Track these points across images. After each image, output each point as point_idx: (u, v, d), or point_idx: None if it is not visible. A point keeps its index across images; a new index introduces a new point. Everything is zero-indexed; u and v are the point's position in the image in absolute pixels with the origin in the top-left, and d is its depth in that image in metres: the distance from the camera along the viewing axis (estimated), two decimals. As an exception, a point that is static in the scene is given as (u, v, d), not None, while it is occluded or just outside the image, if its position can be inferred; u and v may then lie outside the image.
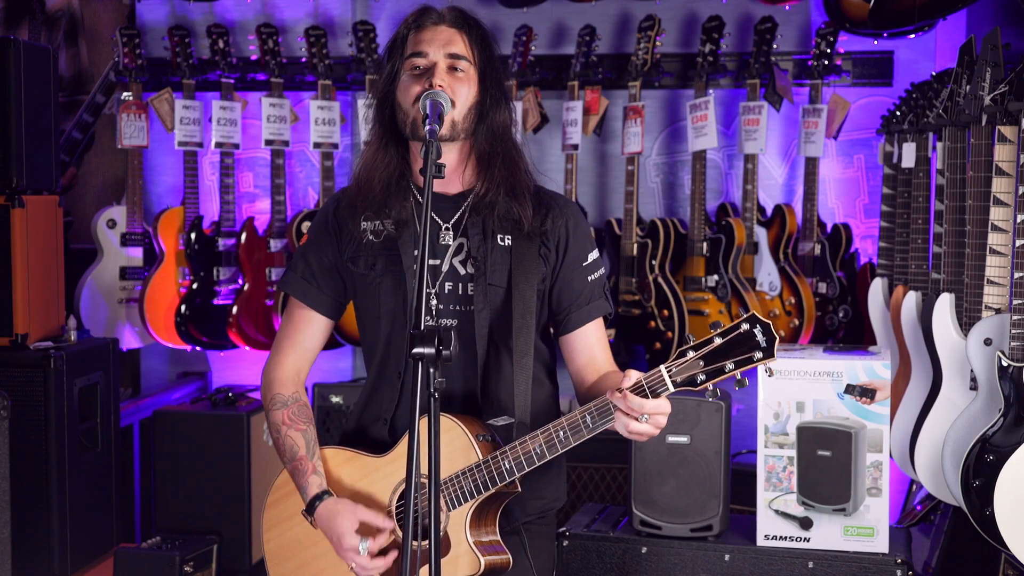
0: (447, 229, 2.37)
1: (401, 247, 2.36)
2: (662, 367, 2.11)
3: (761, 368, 2.09)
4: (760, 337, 2.06)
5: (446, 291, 2.36)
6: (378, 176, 2.35)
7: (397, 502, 2.35)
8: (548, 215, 2.38)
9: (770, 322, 2.07)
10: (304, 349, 2.49)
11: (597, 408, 2.17)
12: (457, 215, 2.38)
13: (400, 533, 2.34)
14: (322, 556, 2.41)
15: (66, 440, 3.99)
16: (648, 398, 2.10)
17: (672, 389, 2.10)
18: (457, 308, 2.35)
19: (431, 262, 2.34)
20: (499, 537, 2.32)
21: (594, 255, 2.43)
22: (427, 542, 2.27)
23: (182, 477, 4.39)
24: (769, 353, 2.06)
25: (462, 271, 2.36)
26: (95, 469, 4.20)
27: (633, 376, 2.12)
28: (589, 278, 2.42)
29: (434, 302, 2.34)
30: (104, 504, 4.27)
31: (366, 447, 2.42)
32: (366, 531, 2.31)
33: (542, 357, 2.45)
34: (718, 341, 2.08)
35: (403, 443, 2.35)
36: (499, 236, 2.36)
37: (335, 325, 2.48)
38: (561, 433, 2.20)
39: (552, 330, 2.50)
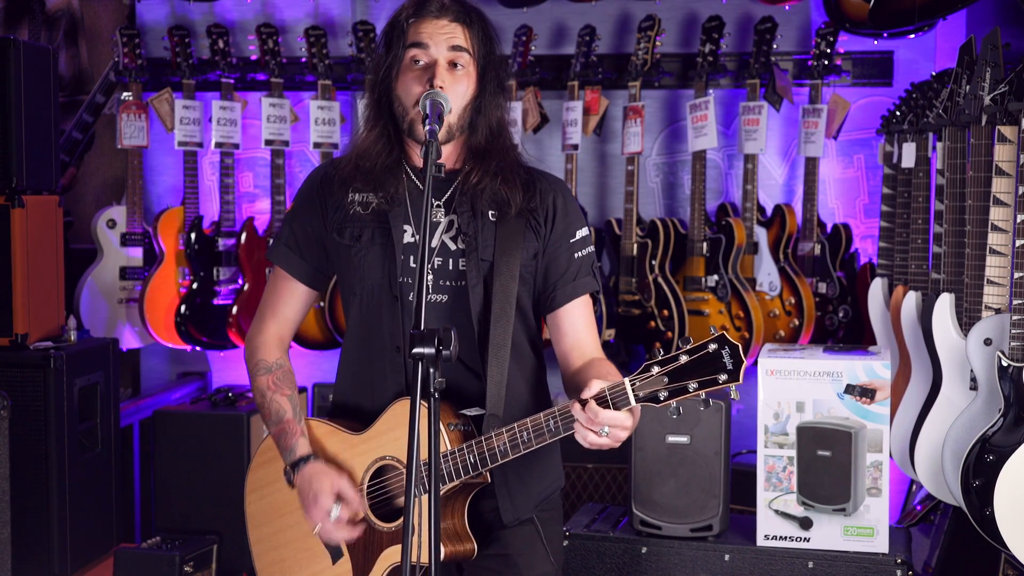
0: (438, 206, 2.37)
1: (392, 220, 2.35)
2: (626, 380, 2.09)
3: (731, 389, 2.07)
4: (727, 359, 2.04)
5: (436, 267, 2.35)
6: (380, 162, 2.35)
7: (370, 481, 2.36)
8: (536, 191, 2.37)
9: (739, 344, 2.05)
10: (286, 318, 2.49)
11: (561, 413, 2.17)
12: (448, 193, 2.37)
13: (370, 516, 2.36)
14: (297, 525, 2.43)
15: (66, 440, 3.99)
16: (610, 409, 2.09)
17: (633, 403, 2.09)
18: (448, 283, 2.35)
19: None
20: (466, 524, 2.32)
21: (583, 232, 2.41)
22: (393, 526, 2.31)
23: (182, 477, 4.39)
24: (735, 377, 2.04)
25: (452, 247, 2.35)
26: (95, 469, 4.20)
27: (595, 387, 2.10)
28: (576, 255, 2.39)
29: (430, 278, 2.34)
30: (104, 504, 4.27)
31: (358, 421, 2.42)
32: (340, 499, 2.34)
33: (529, 343, 2.44)
34: (684, 359, 2.06)
35: (380, 422, 2.34)
36: (490, 212, 2.35)
37: (329, 317, 2.45)
38: (525, 434, 2.20)
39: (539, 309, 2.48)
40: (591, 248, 2.43)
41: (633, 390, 2.09)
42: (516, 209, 2.33)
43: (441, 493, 2.25)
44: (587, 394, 2.10)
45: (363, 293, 2.39)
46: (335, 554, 2.40)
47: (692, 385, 2.06)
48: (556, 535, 2.50)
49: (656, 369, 2.08)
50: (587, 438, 2.12)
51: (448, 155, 2.36)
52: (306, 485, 2.36)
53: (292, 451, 2.39)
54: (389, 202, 2.35)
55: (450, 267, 2.34)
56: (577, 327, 2.40)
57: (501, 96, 2.37)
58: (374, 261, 2.36)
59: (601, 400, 2.10)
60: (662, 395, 2.08)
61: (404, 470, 2.31)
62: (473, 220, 2.34)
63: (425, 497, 2.26)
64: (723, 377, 2.05)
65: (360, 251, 2.37)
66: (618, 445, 2.13)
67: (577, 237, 2.40)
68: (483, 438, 2.23)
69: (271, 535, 2.48)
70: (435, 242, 2.35)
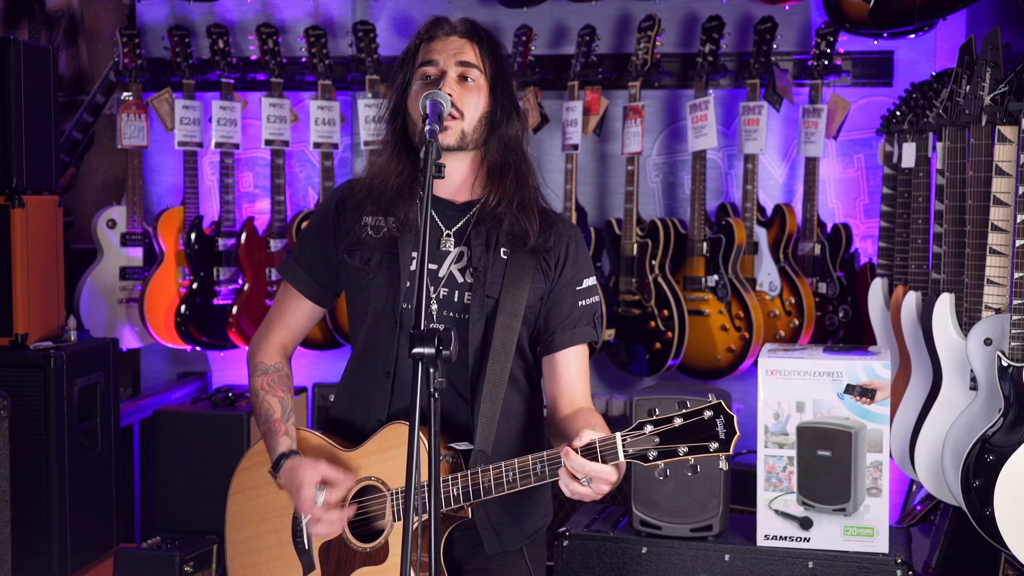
0: (448, 236, 2.37)
1: (400, 247, 2.37)
2: (618, 435, 2.10)
3: (721, 458, 2.08)
4: (720, 428, 2.06)
5: (441, 296, 2.36)
6: (391, 182, 2.36)
7: (352, 501, 2.36)
8: (552, 232, 2.38)
9: (734, 416, 2.06)
10: (291, 329, 2.53)
11: (549, 459, 2.17)
12: (461, 223, 2.38)
13: (347, 533, 2.36)
14: (274, 532, 2.45)
15: (66, 440, 3.98)
16: (598, 461, 2.09)
17: (621, 459, 2.09)
18: (451, 315, 2.35)
19: (430, 267, 2.34)
20: (440, 558, 2.31)
21: (590, 281, 2.42)
22: (369, 547, 2.32)
23: (182, 477, 4.39)
24: (725, 447, 2.06)
25: (460, 279, 2.36)
26: (95, 469, 4.20)
27: (586, 437, 2.11)
28: (581, 303, 2.41)
29: (435, 307, 2.35)
30: (104, 504, 4.27)
31: (349, 439, 2.43)
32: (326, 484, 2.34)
33: (527, 382, 2.44)
34: (677, 422, 2.07)
35: (371, 442, 2.35)
36: (502, 250, 2.36)
37: (329, 317, 2.45)
38: (510, 474, 2.20)
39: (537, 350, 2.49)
40: (596, 299, 2.44)
41: (624, 445, 2.09)
42: (532, 242, 2.34)
43: (420, 523, 2.25)
44: (578, 443, 2.11)
45: (367, 316, 2.40)
46: (307, 567, 2.40)
47: (682, 449, 2.07)
48: (540, 556, 2.51)
49: (649, 428, 2.09)
50: (569, 486, 2.12)
51: (461, 183, 2.38)
52: (289, 479, 2.36)
53: (276, 449, 2.41)
54: (400, 228, 2.36)
55: (455, 299, 2.35)
56: (571, 373, 2.41)
57: (515, 112, 2.38)
58: (380, 286, 2.38)
59: (590, 451, 2.10)
60: (651, 454, 2.08)
61: (386, 493, 2.32)
62: (485, 255, 2.35)
63: (397, 523, 2.28)
64: (714, 446, 2.06)
65: (368, 275, 2.39)
66: (598, 498, 2.14)
67: (584, 285, 2.42)
68: (468, 472, 2.23)
69: (248, 539, 2.49)
70: (443, 271, 2.36)
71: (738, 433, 2.06)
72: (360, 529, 2.37)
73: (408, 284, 2.34)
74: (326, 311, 2.60)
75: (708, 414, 2.06)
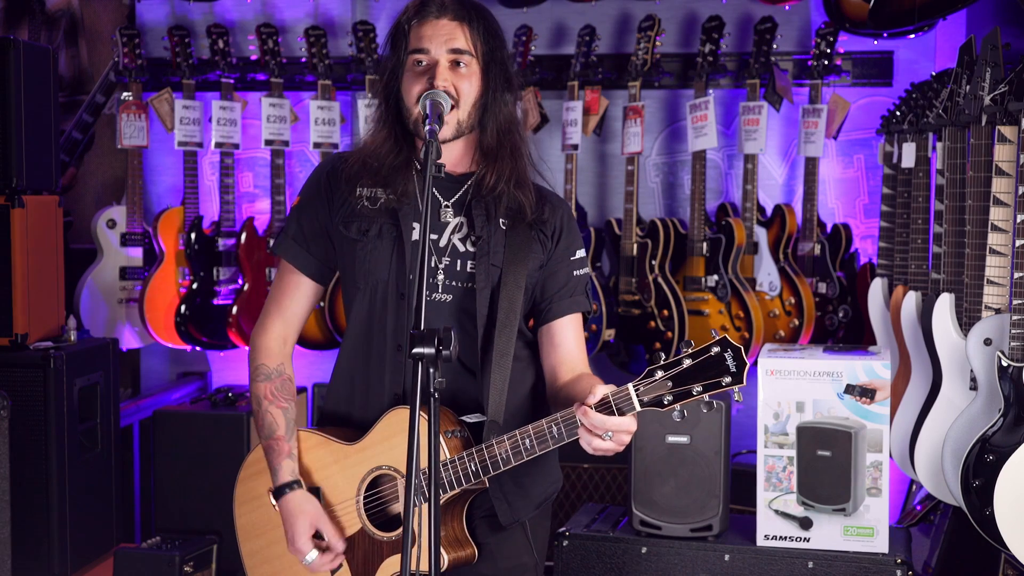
0: (447, 207, 2.37)
1: (401, 218, 2.35)
2: (630, 385, 2.11)
3: (734, 391, 2.09)
4: (730, 362, 2.06)
5: (444, 266, 2.35)
6: (388, 161, 2.35)
7: (366, 492, 2.36)
8: (546, 205, 2.41)
9: (741, 347, 2.07)
10: (292, 314, 2.48)
11: (564, 419, 2.17)
12: (459, 194, 2.38)
13: (368, 526, 2.36)
14: None
15: (66, 440, 3.99)
16: (614, 415, 2.10)
17: (638, 408, 2.10)
18: (455, 284, 2.35)
19: (431, 236, 2.34)
20: (465, 530, 2.33)
21: (582, 252, 2.45)
22: (394, 535, 2.32)
23: (182, 477, 4.39)
24: (738, 379, 2.07)
25: (462, 248, 2.36)
26: (95, 469, 4.20)
27: (600, 392, 2.12)
28: (575, 273, 2.43)
29: (441, 276, 2.34)
30: (104, 504, 4.27)
31: (351, 429, 2.42)
32: (319, 543, 2.36)
33: (528, 352, 2.45)
34: (687, 363, 2.08)
35: (376, 431, 2.34)
36: (501, 221, 2.37)
37: (329, 316, 2.43)
38: (527, 441, 2.20)
39: (532, 321, 2.50)
40: (588, 269, 2.47)
41: (637, 395, 2.10)
42: (529, 216, 2.35)
43: (441, 502, 2.25)
44: (592, 400, 2.11)
45: (367, 289, 2.38)
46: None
47: (696, 388, 2.08)
48: (543, 529, 2.51)
49: (660, 373, 2.09)
50: (592, 443, 2.13)
51: (459, 156, 2.38)
52: (286, 521, 2.37)
53: (276, 473, 2.39)
54: (398, 199, 2.35)
55: (458, 268, 2.35)
56: (569, 341, 2.42)
57: (509, 92, 2.37)
58: (381, 257, 2.36)
59: (605, 405, 2.11)
60: (666, 399, 2.09)
61: (400, 479, 2.31)
62: (487, 225, 2.35)
63: (425, 505, 2.26)
64: (727, 379, 2.07)
65: (366, 246, 2.37)
66: (621, 449, 2.14)
67: (577, 256, 2.44)
68: (484, 446, 2.23)
69: (264, 547, 2.47)
70: (444, 241, 2.36)
71: (748, 363, 2.07)
72: (382, 519, 2.36)
73: (411, 255, 2.33)
74: (321, 299, 2.57)
75: (716, 350, 2.07)
